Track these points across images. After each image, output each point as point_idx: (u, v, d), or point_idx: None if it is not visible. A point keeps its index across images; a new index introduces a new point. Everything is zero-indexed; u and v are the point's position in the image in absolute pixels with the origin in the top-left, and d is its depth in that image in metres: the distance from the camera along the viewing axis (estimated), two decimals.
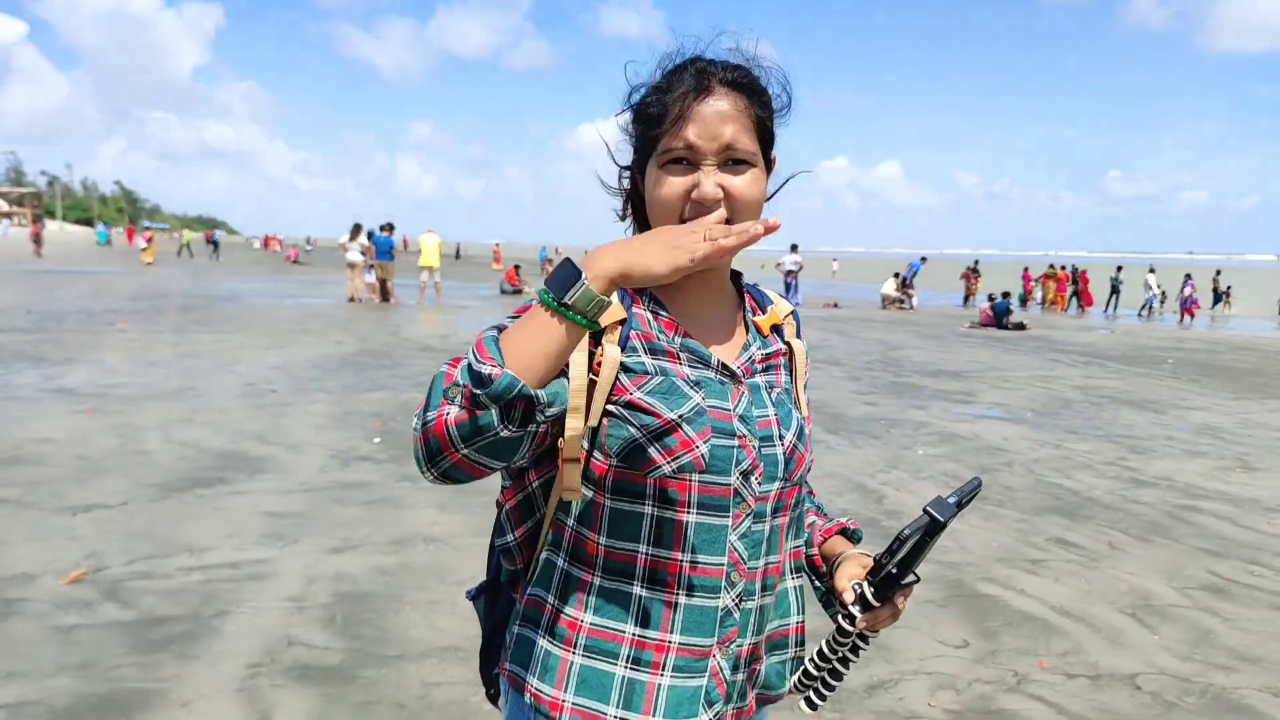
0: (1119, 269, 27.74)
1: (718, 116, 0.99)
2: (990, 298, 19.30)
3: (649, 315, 1.05)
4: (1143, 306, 24.96)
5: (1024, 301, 26.92)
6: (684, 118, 0.99)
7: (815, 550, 1.20)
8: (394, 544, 4.03)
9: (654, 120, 1.02)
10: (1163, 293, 25.18)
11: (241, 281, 24.23)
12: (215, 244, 42.98)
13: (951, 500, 0.97)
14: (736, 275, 1.18)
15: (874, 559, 1.03)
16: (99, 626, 3.11)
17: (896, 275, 23.75)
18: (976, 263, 29.05)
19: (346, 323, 13.90)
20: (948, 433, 6.99)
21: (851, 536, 1.21)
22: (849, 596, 1.02)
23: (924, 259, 26.25)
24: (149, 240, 32.80)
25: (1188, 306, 23.23)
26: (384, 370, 9.02)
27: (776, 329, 1.17)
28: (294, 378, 8.38)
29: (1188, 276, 24.25)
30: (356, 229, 18.59)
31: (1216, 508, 5.15)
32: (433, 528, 4.27)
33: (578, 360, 0.97)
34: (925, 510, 0.96)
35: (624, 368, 1.00)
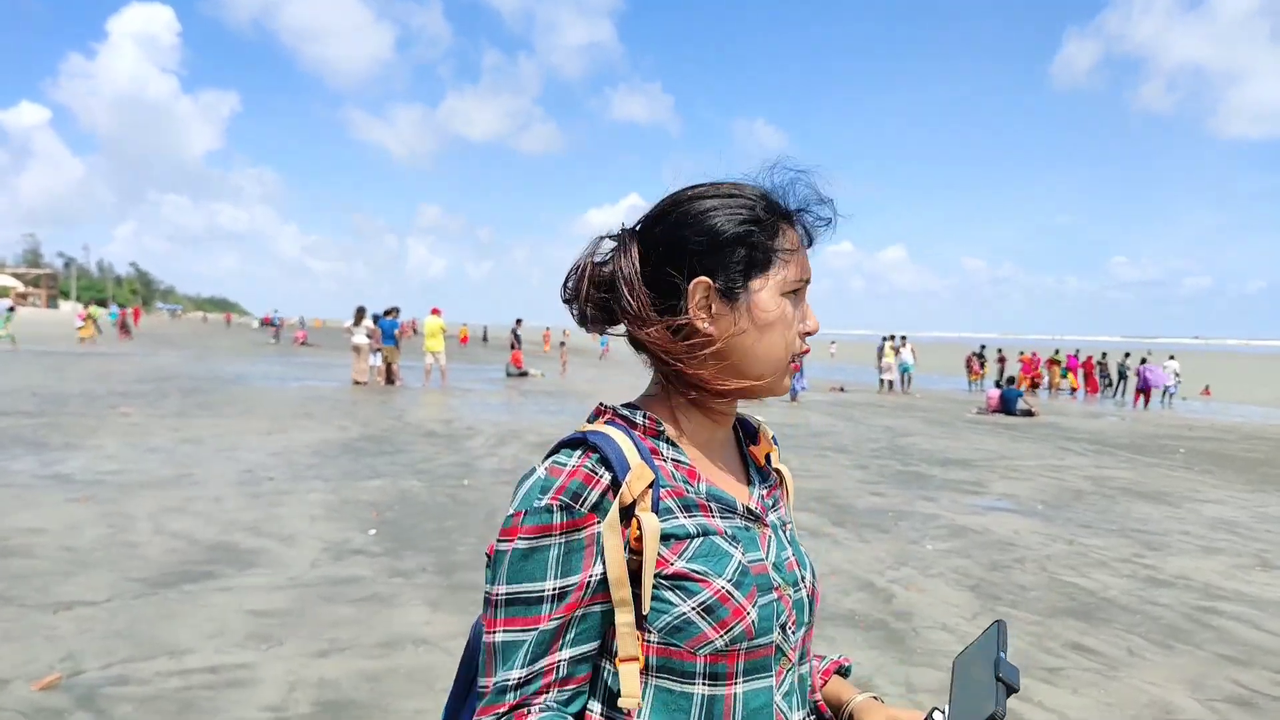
0: (1126, 355, 27.73)
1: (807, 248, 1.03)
2: (998, 384, 19.22)
3: (670, 466, 0.97)
4: (1165, 394, 24.84)
5: (1034, 386, 26.83)
6: (804, 248, 1.01)
7: (818, 695, 1.12)
8: (382, 646, 3.87)
9: (761, 246, 0.97)
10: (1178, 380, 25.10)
11: (248, 363, 24.34)
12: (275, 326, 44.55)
13: (1007, 660, 0.88)
14: None
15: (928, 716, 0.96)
16: None
17: (890, 339, 23.64)
18: (983, 348, 29.08)
19: (350, 406, 13.86)
20: (957, 526, 6.82)
21: (845, 673, 1.15)
22: None
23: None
24: (85, 319, 32.74)
25: (1144, 390, 23.28)
26: (384, 457, 8.93)
27: (767, 457, 1.11)
28: (293, 464, 8.28)
29: (1144, 360, 24.34)
30: (360, 312, 18.75)
31: (1238, 610, 4.96)
32: (424, 628, 4.12)
33: (612, 546, 0.88)
34: (999, 679, 0.86)
35: (662, 536, 0.91)
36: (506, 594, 0.88)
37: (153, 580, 4.66)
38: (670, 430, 1.00)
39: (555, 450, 0.94)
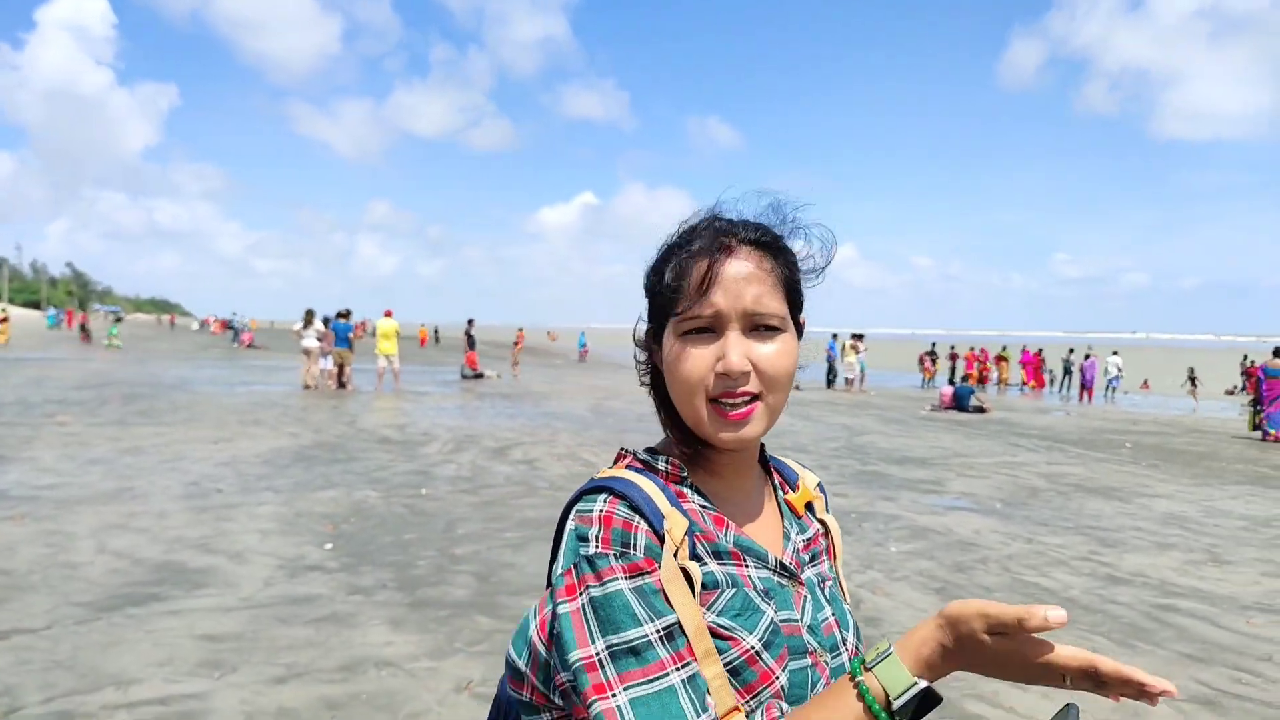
0: (1070, 351, 28.39)
1: (740, 279, 0.87)
2: (952, 381, 19.52)
3: (699, 510, 0.89)
4: (1107, 388, 25.45)
5: (981, 381, 27.34)
6: (704, 281, 0.87)
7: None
8: (343, 670, 3.73)
9: (670, 286, 0.89)
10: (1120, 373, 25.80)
11: (192, 368, 23.66)
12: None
13: None
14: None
15: None
16: None
17: (854, 336, 24.04)
18: (934, 345, 29.54)
19: (300, 412, 13.53)
20: (919, 527, 6.86)
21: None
22: None
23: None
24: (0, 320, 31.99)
25: (1088, 386, 23.97)
26: (338, 465, 8.70)
27: (808, 506, 1.03)
28: (242, 475, 8.02)
29: (1087, 355, 25.04)
30: (310, 315, 18.35)
31: (1194, 607, 5.04)
32: (386, 649, 3.98)
33: (680, 597, 0.79)
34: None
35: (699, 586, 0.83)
36: (605, 649, 0.76)
37: (95, 604, 4.44)
38: (693, 476, 0.93)
39: (576, 499, 0.87)
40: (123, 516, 6.28)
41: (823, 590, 0.96)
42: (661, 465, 0.92)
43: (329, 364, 18.12)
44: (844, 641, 0.93)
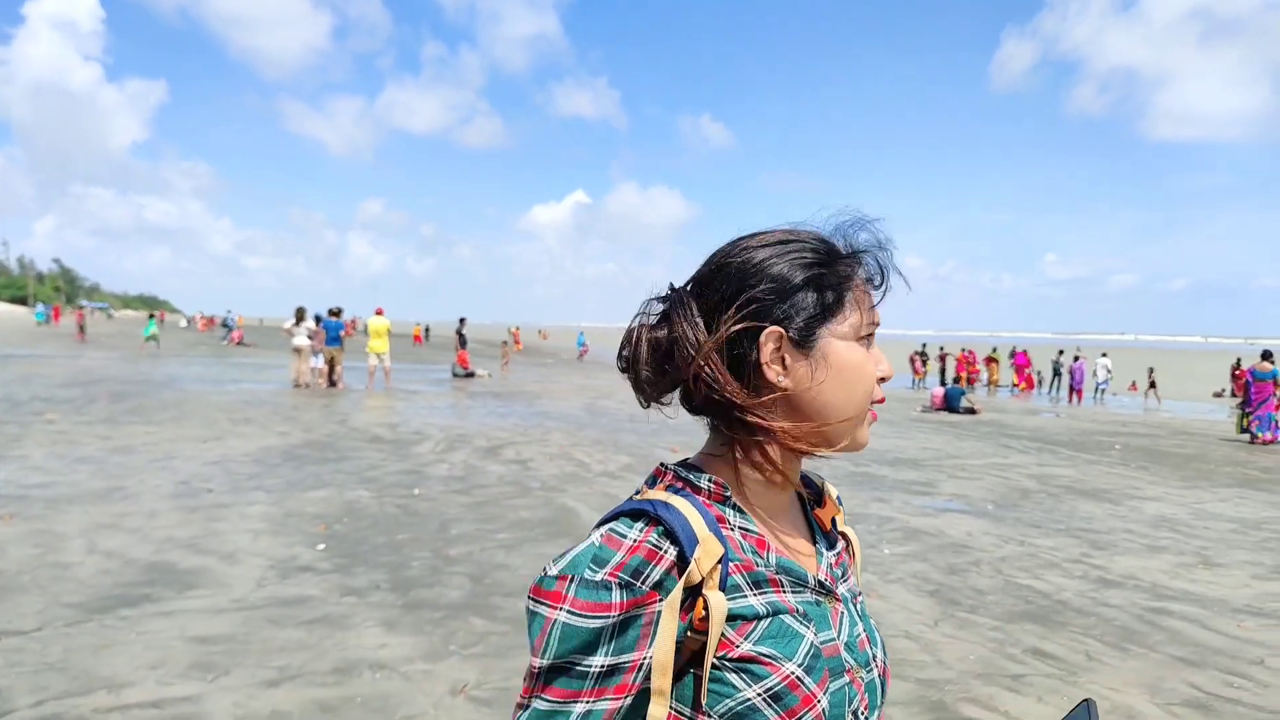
0: (1060, 352, 28.52)
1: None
2: (943, 382, 19.58)
3: (739, 536, 0.88)
4: (1096, 390, 25.61)
5: (970, 383, 27.45)
6: (875, 292, 0.96)
7: None
8: (337, 673, 3.71)
9: (832, 291, 0.91)
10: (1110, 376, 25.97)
11: (181, 365, 23.53)
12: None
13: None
14: None
15: None
16: None
17: None
18: (924, 346, 29.63)
19: (291, 411, 13.47)
20: (912, 529, 6.87)
21: None
22: None
23: None
24: None
25: (1077, 388, 24.14)
26: (329, 465, 8.66)
27: (832, 520, 1.03)
28: (232, 474, 7.98)
29: (1076, 357, 25.21)
30: (301, 313, 18.27)
31: (1185, 610, 5.07)
32: (380, 651, 3.96)
33: (666, 629, 0.79)
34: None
35: (729, 616, 0.82)
36: (549, 666, 0.79)
37: (87, 605, 4.40)
38: (736, 495, 0.91)
39: (612, 517, 0.85)
40: (113, 516, 6.23)
41: (855, 606, 0.96)
42: (705, 484, 0.90)
43: (320, 362, 18.05)
44: (875, 658, 0.93)
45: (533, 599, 0.82)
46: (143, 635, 4.04)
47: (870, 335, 0.93)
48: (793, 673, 0.81)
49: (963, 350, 29.84)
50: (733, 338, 0.89)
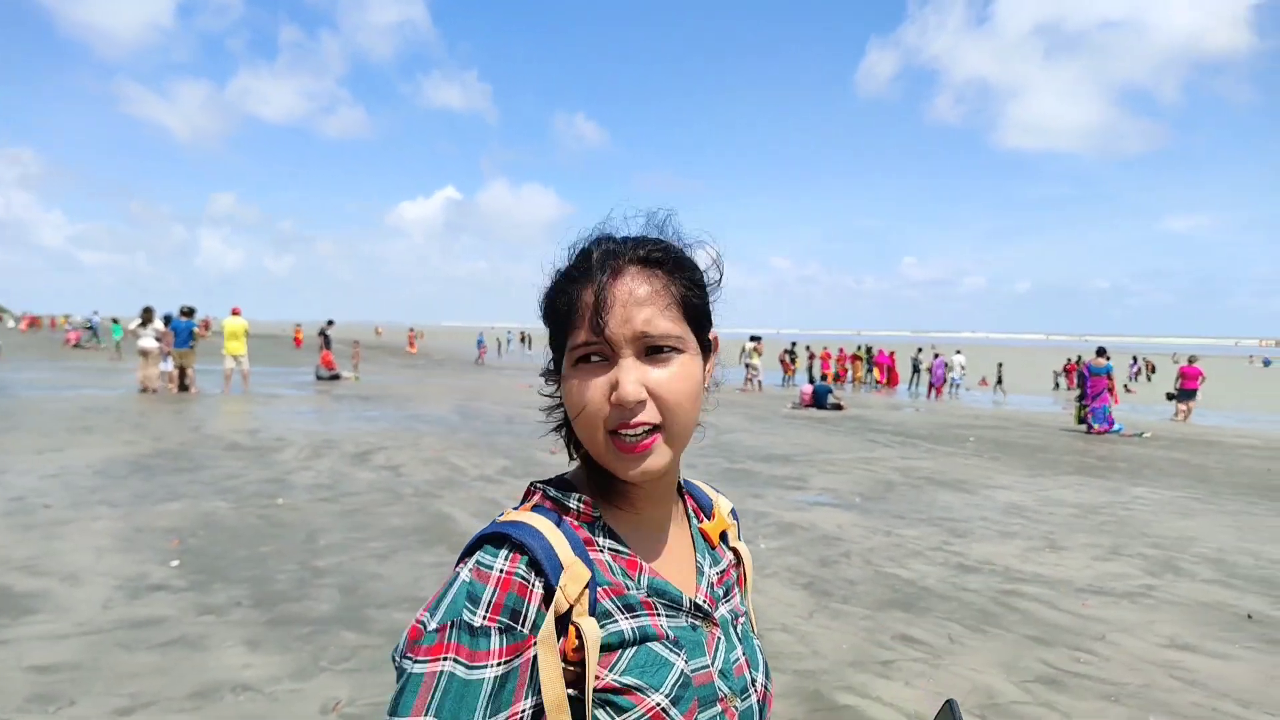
0: (919, 350, 30.07)
1: (630, 300, 0.82)
2: (811, 380, 20.27)
3: (607, 557, 0.84)
4: (950, 385, 27.09)
5: (838, 379, 28.57)
6: (594, 306, 0.82)
7: None
8: (196, 697, 3.47)
9: (562, 314, 0.85)
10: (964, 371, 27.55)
11: (10, 370, 21.59)
12: None
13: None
14: None
15: None
16: None
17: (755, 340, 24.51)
18: (794, 344, 30.61)
19: (138, 418, 12.57)
20: (786, 523, 7.06)
21: None
22: None
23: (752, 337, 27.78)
24: None
25: (937, 384, 25.70)
26: (182, 475, 8.12)
27: (722, 535, 0.99)
28: (72, 488, 7.37)
29: (936, 354, 26.81)
30: (148, 313, 17.11)
31: (1036, 591, 5.41)
32: (244, 672, 3.73)
33: (549, 665, 0.75)
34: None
35: (601, 646, 0.79)
36: None
37: None
38: (607, 514, 0.88)
39: (477, 545, 0.80)
40: None
41: (735, 628, 0.92)
42: (574, 504, 0.87)
43: (169, 366, 16.95)
44: (754, 682, 0.90)
45: (410, 659, 0.75)
46: None
47: (603, 355, 0.83)
48: (658, 704, 0.78)
49: (825, 349, 31.03)
50: (558, 363, 0.90)
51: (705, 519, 0.99)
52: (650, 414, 0.81)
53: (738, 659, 0.89)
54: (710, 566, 0.94)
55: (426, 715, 0.73)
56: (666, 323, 0.82)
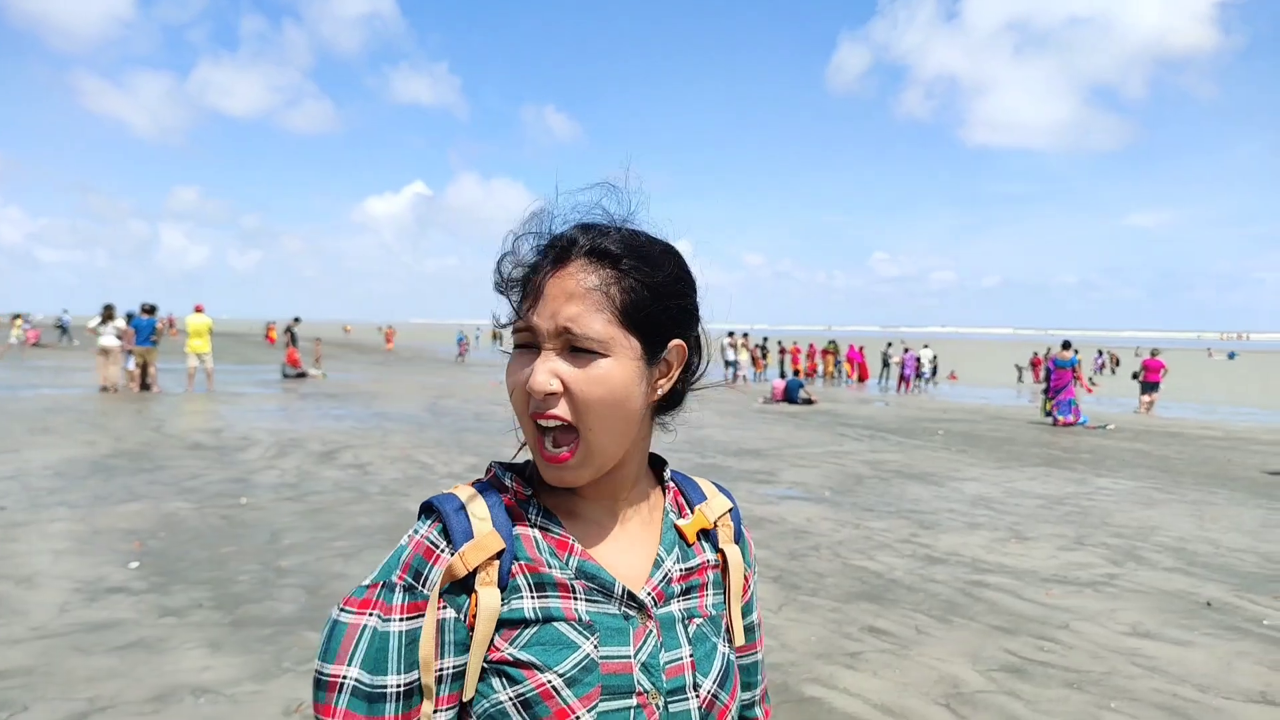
0: (889, 345, 30.33)
1: (562, 293, 0.80)
2: (783, 375, 20.36)
3: (536, 534, 0.84)
4: (919, 378, 27.37)
5: (809, 374, 28.74)
6: (529, 293, 0.83)
7: None
8: (155, 701, 3.40)
9: (504, 292, 0.87)
10: (934, 366, 27.85)
11: None
12: None
13: None
14: (659, 462, 0.98)
15: None
16: None
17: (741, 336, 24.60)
18: (765, 340, 30.76)
19: (98, 417, 12.33)
20: (755, 517, 7.08)
21: None
22: None
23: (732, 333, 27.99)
24: None
25: (907, 378, 26.00)
26: (143, 475, 7.98)
27: (706, 534, 0.95)
28: (30, 489, 7.20)
29: (906, 349, 27.10)
30: (109, 310, 16.78)
31: (1001, 581, 5.47)
32: (205, 674, 3.66)
33: (427, 622, 0.78)
34: None
35: (500, 621, 0.80)
36: (354, 680, 0.78)
37: None
38: (547, 496, 0.87)
39: (418, 514, 0.86)
40: None
41: (686, 628, 0.87)
42: (509, 483, 0.88)
43: (131, 364, 16.64)
44: (696, 687, 0.85)
45: (339, 608, 0.81)
46: None
47: (523, 340, 0.83)
48: (549, 682, 0.78)
49: (795, 344, 31.22)
50: None
51: (688, 515, 0.95)
52: (562, 409, 0.80)
53: (677, 659, 0.85)
54: (676, 563, 0.90)
55: (349, 666, 0.78)
56: (595, 324, 0.79)
